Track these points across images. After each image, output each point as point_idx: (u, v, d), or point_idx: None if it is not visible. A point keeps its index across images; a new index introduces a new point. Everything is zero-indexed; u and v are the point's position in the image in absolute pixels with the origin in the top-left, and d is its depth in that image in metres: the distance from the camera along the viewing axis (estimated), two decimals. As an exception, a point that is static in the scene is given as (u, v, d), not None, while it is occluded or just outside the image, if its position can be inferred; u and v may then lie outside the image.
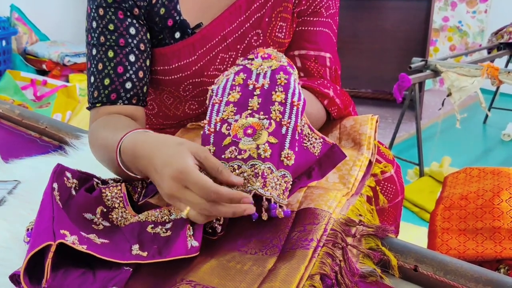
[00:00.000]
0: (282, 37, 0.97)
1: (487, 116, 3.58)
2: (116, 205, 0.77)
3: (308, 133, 0.78)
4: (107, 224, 0.75)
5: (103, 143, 0.81)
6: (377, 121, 0.93)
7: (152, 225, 0.72)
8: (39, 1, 3.57)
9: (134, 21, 0.89)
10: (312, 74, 0.99)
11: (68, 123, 2.44)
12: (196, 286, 0.59)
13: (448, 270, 0.67)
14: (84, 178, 0.80)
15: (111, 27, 0.87)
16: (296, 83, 0.75)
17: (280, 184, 0.69)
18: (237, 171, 0.68)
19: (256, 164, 0.68)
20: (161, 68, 0.94)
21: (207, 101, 0.78)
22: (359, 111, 1.05)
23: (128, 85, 0.89)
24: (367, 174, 0.88)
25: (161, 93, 1.01)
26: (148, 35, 0.91)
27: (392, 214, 0.98)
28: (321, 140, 0.79)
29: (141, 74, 0.90)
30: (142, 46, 0.90)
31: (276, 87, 0.73)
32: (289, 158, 0.70)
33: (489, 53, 3.22)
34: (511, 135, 3.31)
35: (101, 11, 0.87)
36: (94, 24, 0.88)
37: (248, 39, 0.95)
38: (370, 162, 0.89)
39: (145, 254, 0.66)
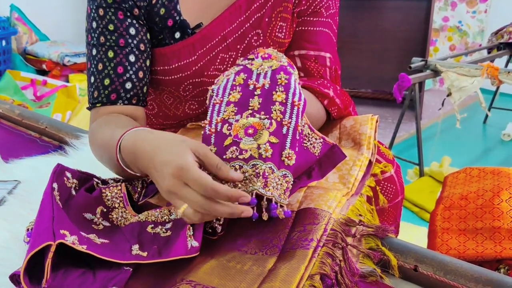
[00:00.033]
0: (282, 37, 0.97)
1: (487, 116, 3.58)
2: (116, 205, 0.77)
3: (308, 133, 0.78)
4: (107, 224, 0.75)
5: (103, 141, 0.81)
6: (377, 121, 0.93)
7: (152, 225, 0.72)
8: (39, 1, 3.57)
9: (134, 21, 0.89)
10: (312, 74, 0.99)
11: (68, 123, 2.44)
12: (196, 286, 0.59)
13: (448, 270, 0.67)
14: (84, 178, 0.80)
15: (111, 27, 0.87)
16: (296, 83, 0.75)
17: (281, 184, 0.69)
18: (238, 171, 0.68)
19: (257, 164, 0.67)
20: (161, 68, 0.94)
21: (207, 101, 0.78)
22: (359, 111, 1.05)
23: (128, 85, 0.89)
24: (367, 174, 0.88)
25: (161, 93, 1.01)
26: (148, 35, 0.91)
27: (392, 214, 0.98)
28: (321, 140, 0.79)
29: (141, 74, 0.90)
30: (142, 46, 0.90)
31: (277, 87, 0.73)
32: (290, 158, 0.70)
33: (489, 53, 3.22)
34: (511, 135, 3.31)
35: (101, 12, 0.87)
36: (94, 25, 0.88)
37: (248, 39, 0.95)
38: (370, 162, 0.89)
39: (145, 254, 0.66)
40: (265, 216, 0.68)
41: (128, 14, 0.88)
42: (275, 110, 0.71)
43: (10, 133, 1.31)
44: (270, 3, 0.93)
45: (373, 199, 0.89)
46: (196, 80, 0.95)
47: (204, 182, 0.62)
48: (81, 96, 2.91)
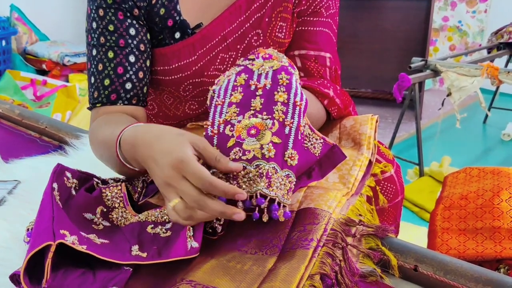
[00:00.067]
0: (282, 37, 0.97)
1: (487, 116, 3.58)
2: (116, 205, 0.77)
3: (308, 133, 0.78)
4: (107, 224, 0.75)
5: (103, 139, 0.81)
6: (377, 121, 0.93)
7: (152, 225, 0.72)
8: (39, 1, 3.57)
9: (134, 21, 0.89)
10: (312, 74, 0.99)
11: (68, 123, 2.45)
12: (196, 286, 0.59)
13: (448, 270, 0.67)
14: (84, 178, 0.80)
15: (111, 27, 0.87)
16: (297, 83, 0.75)
17: (284, 184, 0.69)
18: (242, 172, 0.67)
19: (261, 164, 0.67)
20: (161, 68, 0.94)
21: (207, 102, 0.78)
22: (359, 111, 1.05)
23: (128, 85, 0.89)
24: (367, 174, 0.88)
25: (161, 93, 1.01)
26: (148, 35, 0.91)
27: (392, 214, 0.99)
28: (322, 140, 0.79)
29: (141, 74, 0.90)
30: (142, 47, 0.90)
31: (278, 87, 0.73)
32: (292, 158, 0.70)
33: (489, 53, 3.22)
34: (511, 135, 3.31)
35: (101, 12, 0.87)
36: (94, 25, 0.88)
37: (248, 39, 0.95)
38: (370, 162, 0.89)
39: (144, 255, 0.66)
40: (265, 218, 0.68)
41: (128, 14, 0.88)
42: (277, 110, 0.71)
43: (10, 133, 1.31)
44: (270, 3, 0.94)
45: (373, 199, 0.89)
46: (196, 80, 0.95)
47: (202, 175, 0.62)
48: (81, 96, 2.91)
